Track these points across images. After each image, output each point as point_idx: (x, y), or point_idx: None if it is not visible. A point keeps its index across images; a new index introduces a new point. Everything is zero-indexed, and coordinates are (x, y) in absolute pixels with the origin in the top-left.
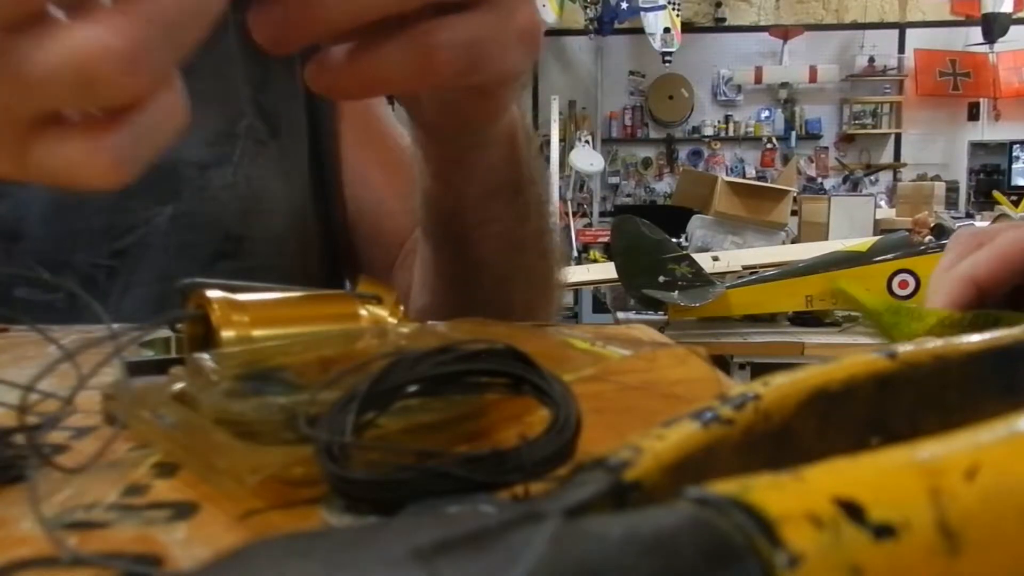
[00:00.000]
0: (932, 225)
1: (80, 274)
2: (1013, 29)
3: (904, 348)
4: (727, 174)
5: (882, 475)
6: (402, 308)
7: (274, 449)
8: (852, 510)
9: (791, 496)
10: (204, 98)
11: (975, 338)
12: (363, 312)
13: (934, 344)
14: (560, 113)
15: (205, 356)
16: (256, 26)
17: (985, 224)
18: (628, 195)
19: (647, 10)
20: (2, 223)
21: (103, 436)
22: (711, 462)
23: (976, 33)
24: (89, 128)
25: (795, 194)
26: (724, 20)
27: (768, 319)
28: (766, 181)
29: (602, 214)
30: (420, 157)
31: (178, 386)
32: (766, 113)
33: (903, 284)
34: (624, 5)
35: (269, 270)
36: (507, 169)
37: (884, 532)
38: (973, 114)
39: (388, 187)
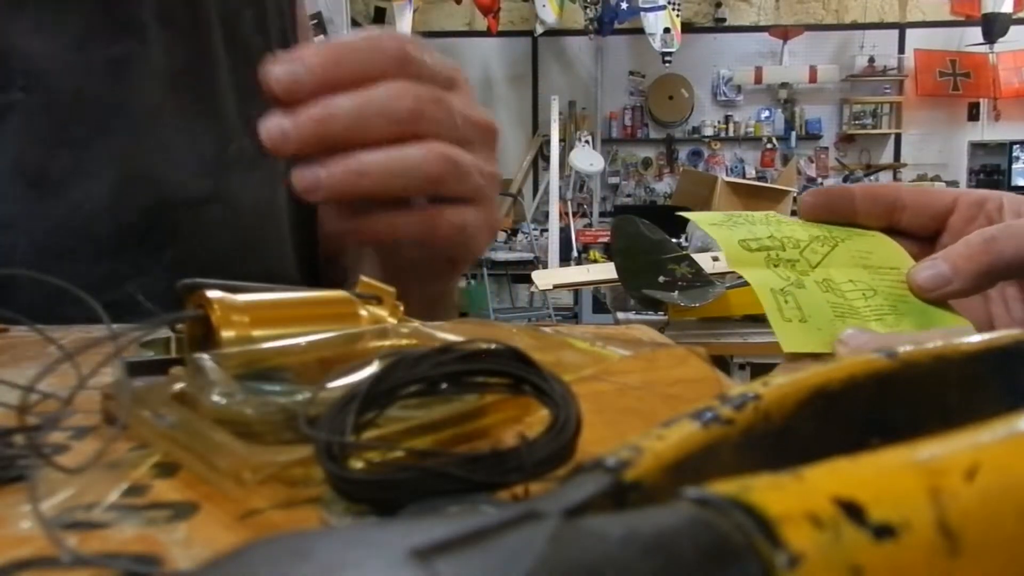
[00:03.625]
0: None
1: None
2: (1013, 29)
3: (904, 348)
4: (727, 174)
5: (882, 475)
6: (402, 308)
7: (274, 449)
8: (852, 510)
9: (791, 496)
10: (195, 121)
11: (975, 338)
12: (363, 312)
13: (934, 344)
14: (560, 113)
15: (205, 356)
16: (297, 176)
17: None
18: (628, 195)
19: (647, 10)
20: None
21: (103, 436)
22: (711, 462)
23: (976, 33)
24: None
25: (795, 194)
26: (724, 20)
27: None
28: (766, 181)
29: (602, 214)
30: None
31: (178, 386)
32: (766, 113)
33: None
34: (624, 5)
35: None
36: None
37: (884, 532)
38: (973, 114)
39: None
